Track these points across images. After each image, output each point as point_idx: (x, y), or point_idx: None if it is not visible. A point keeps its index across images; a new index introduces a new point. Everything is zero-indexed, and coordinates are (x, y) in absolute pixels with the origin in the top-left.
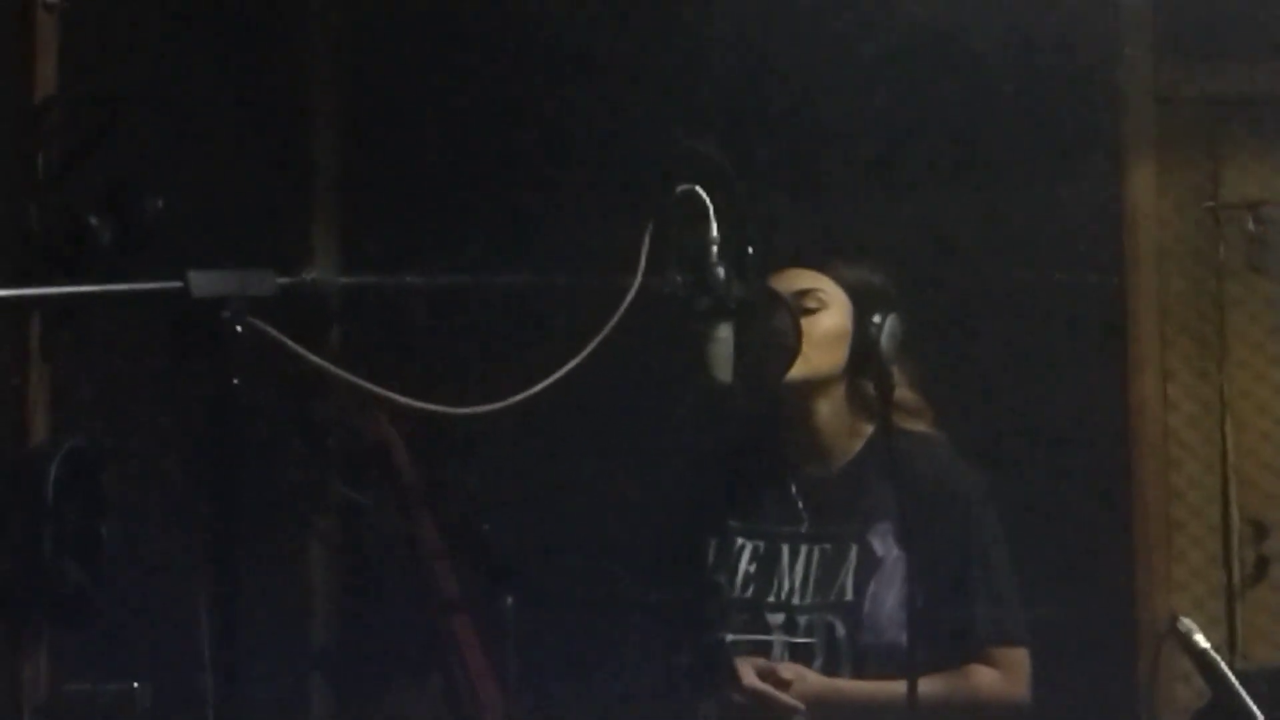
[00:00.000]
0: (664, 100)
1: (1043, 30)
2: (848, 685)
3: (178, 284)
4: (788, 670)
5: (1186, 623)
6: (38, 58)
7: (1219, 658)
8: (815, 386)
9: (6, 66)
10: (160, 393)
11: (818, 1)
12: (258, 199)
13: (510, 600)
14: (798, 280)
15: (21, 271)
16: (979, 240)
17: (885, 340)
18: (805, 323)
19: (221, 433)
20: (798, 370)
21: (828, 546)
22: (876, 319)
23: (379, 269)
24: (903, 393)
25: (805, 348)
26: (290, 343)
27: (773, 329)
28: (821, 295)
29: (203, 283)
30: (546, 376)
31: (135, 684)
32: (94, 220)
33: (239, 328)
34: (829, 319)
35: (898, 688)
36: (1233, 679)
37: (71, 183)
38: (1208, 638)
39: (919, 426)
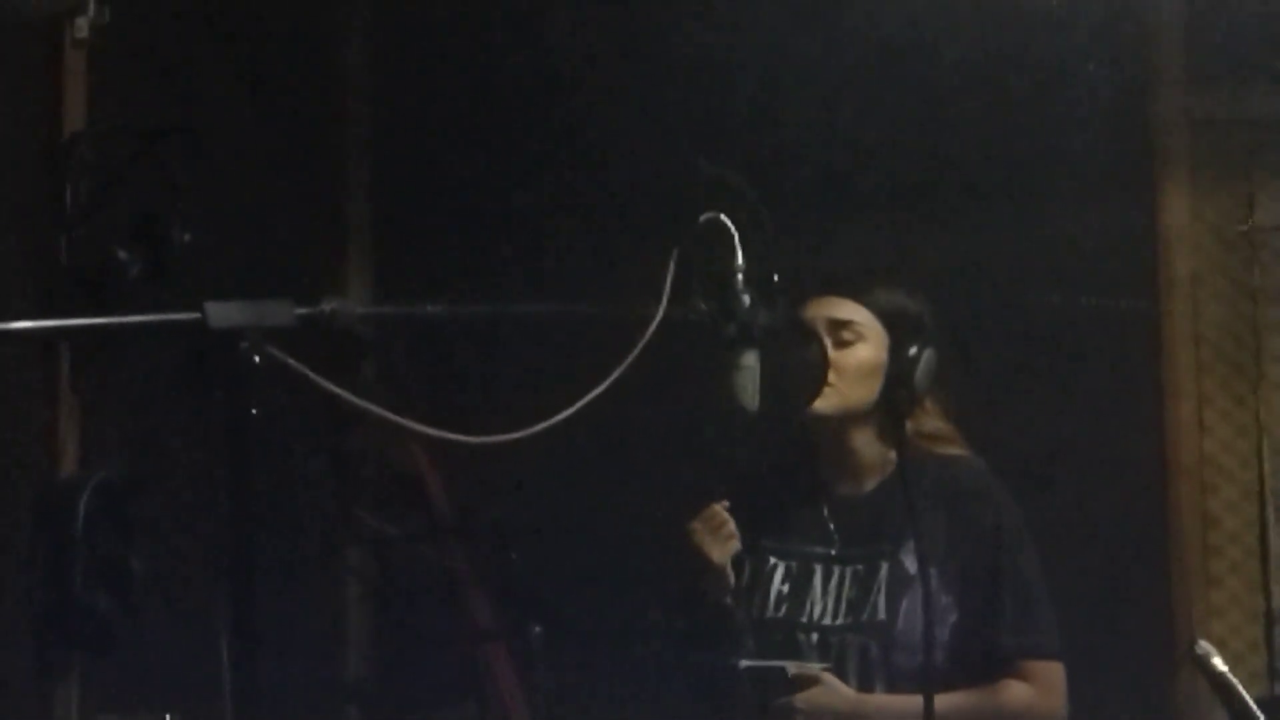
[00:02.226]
0: (689, 127)
1: (1076, 54)
2: (879, 699)
3: (195, 315)
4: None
5: (1204, 645)
6: (66, 92)
7: (1236, 681)
8: (848, 418)
9: (36, 101)
10: (187, 424)
11: (850, 28)
12: (288, 231)
13: (538, 628)
14: (836, 309)
15: (51, 305)
16: (1014, 265)
17: (920, 374)
18: (841, 355)
19: (241, 464)
20: (830, 403)
21: (859, 567)
22: (912, 352)
23: (409, 299)
24: (934, 423)
25: (839, 380)
26: (309, 373)
27: (802, 360)
28: (859, 328)
29: (220, 313)
30: (571, 404)
31: (167, 715)
32: (122, 254)
33: (257, 358)
34: (864, 352)
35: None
36: (1250, 703)
37: (100, 216)
38: (1246, 665)
39: (949, 450)
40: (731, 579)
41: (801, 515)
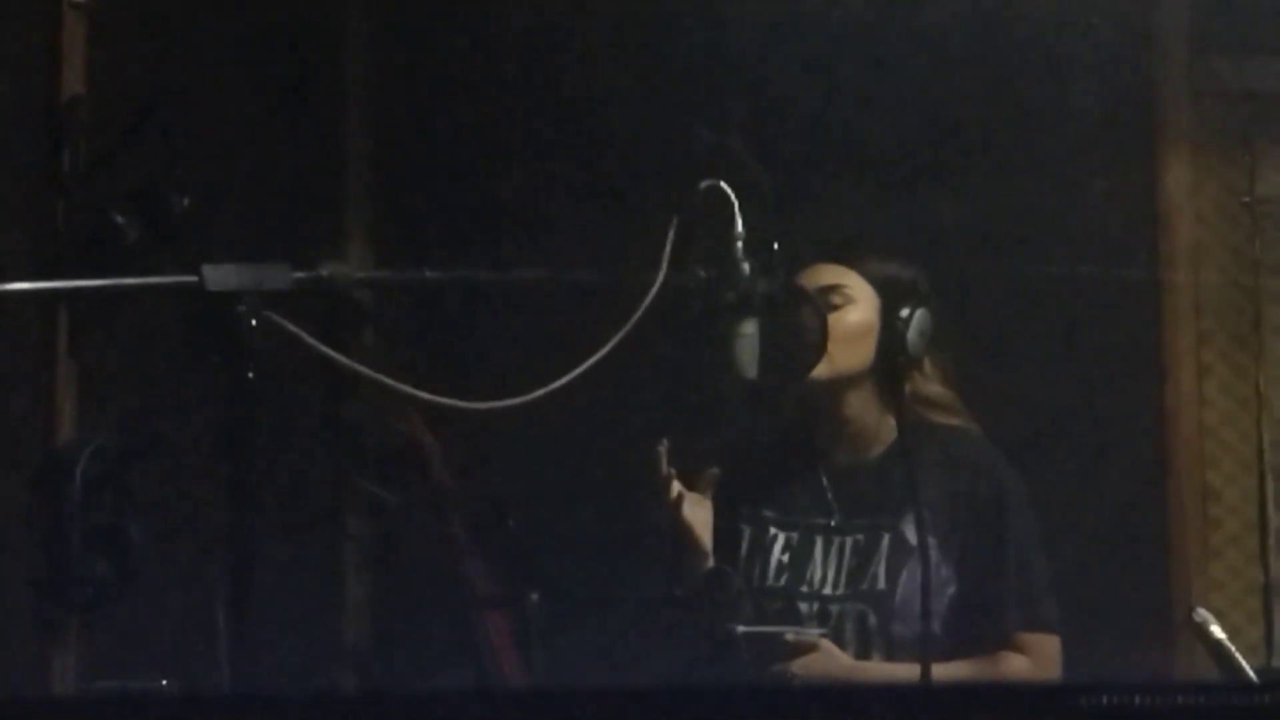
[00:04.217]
0: (689, 95)
1: (1078, 24)
2: (876, 667)
3: (193, 278)
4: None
5: (1202, 613)
6: (65, 56)
7: (1233, 648)
8: (842, 383)
9: (34, 65)
10: (185, 388)
11: None
12: (287, 196)
13: (536, 595)
14: (824, 276)
15: (48, 270)
16: (1013, 236)
17: (912, 334)
18: (830, 319)
19: (238, 428)
20: (823, 369)
21: (860, 537)
22: (904, 313)
23: (407, 265)
24: (934, 388)
25: (830, 345)
26: (306, 337)
27: (800, 326)
28: (847, 291)
29: (218, 277)
30: (570, 371)
31: (164, 682)
32: (120, 219)
33: (254, 322)
34: (854, 315)
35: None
36: (1247, 668)
37: (98, 181)
38: (1247, 635)
39: (951, 420)
40: (705, 542)
41: (801, 486)
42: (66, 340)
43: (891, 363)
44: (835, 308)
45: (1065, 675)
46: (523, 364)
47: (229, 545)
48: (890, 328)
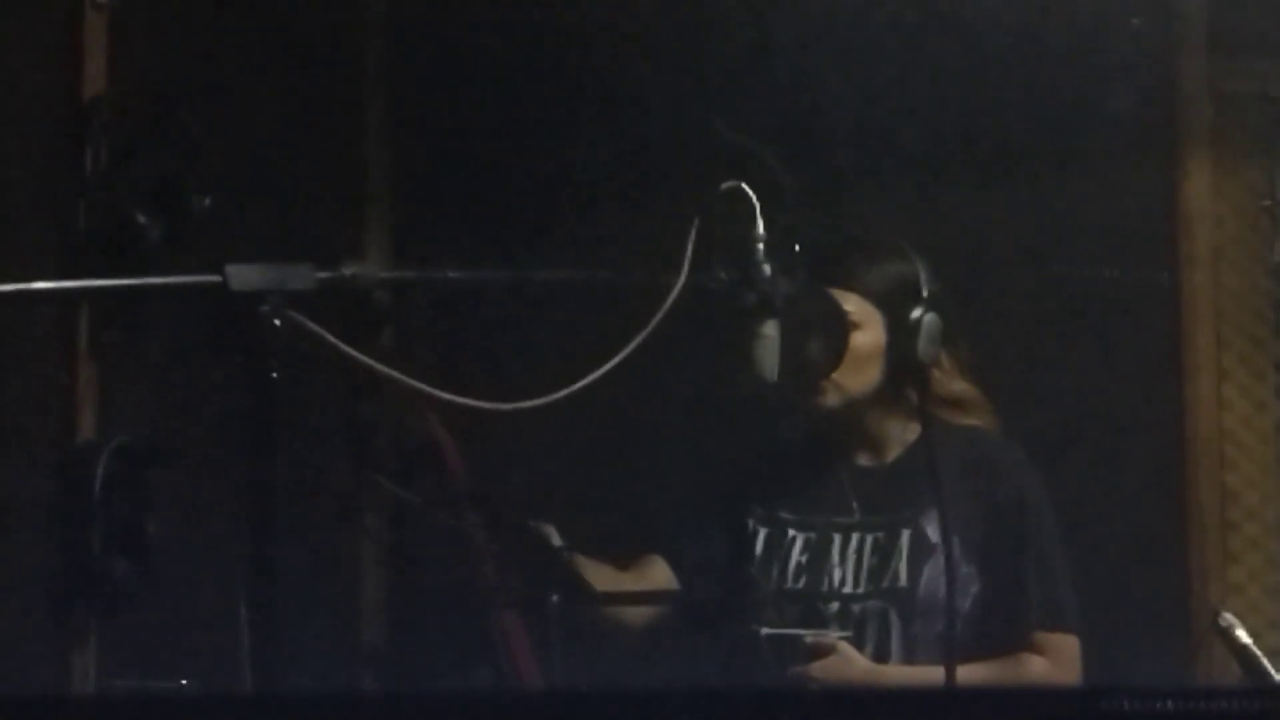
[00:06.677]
0: (711, 94)
1: (1098, 27)
2: (893, 671)
3: (216, 278)
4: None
5: (1228, 617)
6: (86, 56)
7: (1260, 652)
8: (854, 402)
9: (56, 65)
10: (207, 388)
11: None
12: (310, 195)
13: (555, 597)
14: None
15: (70, 269)
16: (1033, 238)
17: (921, 343)
18: None
19: (260, 427)
20: (832, 392)
21: (880, 535)
22: (910, 323)
23: (428, 265)
24: (955, 385)
25: (838, 372)
26: (329, 337)
27: (818, 336)
28: (853, 317)
29: (241, 276)
30: (591, 373)
31: (184, 681)
32: (142, 218)
33: (277, 321)
34: (860, 339)
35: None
36: (1274, 673)
37: (120, 181)
38: (1265, 640)
39: (972, 421)
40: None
41: (821, 486)
42: (88, 339)
43: (904, 373)
44: None
45: (1084, 678)
46: (544, 365)
47: (249, 545)
48: (898, 341)
